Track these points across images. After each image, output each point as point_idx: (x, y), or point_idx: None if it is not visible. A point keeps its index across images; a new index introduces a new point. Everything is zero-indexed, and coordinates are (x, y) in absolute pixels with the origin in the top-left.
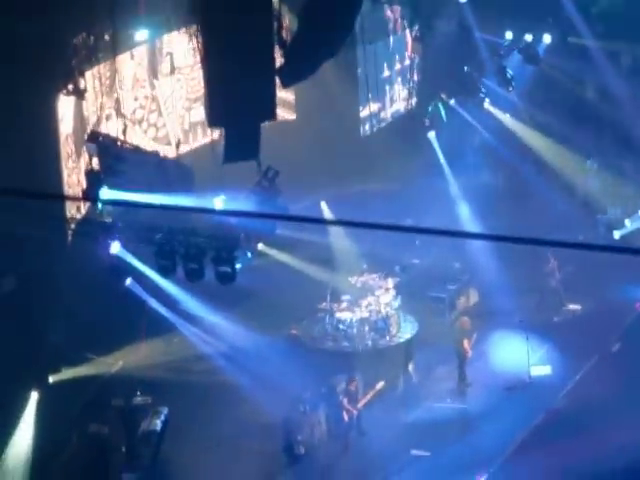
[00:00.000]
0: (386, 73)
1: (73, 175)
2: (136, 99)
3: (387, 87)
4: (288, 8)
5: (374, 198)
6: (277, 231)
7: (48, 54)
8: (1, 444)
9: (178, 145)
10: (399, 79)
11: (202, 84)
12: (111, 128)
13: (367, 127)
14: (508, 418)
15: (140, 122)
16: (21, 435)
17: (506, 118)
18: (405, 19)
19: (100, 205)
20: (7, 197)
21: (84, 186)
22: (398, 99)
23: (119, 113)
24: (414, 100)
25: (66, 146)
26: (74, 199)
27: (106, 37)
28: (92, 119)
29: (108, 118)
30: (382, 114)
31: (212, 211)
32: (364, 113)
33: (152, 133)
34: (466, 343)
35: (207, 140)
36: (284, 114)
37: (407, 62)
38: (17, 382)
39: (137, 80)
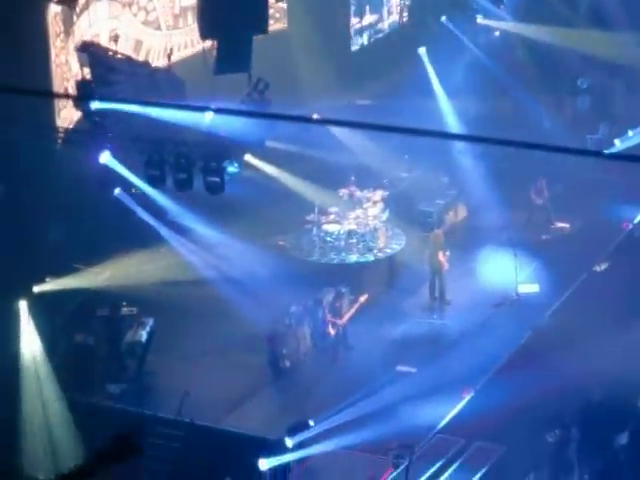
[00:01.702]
0: None
1: (65, 89)
2: None
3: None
4: None
5: (363, 112)
6: (266, 143)
7: None
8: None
9: (170, 56)
10: None
11: None
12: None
13: (364, 37)
14: (495, 335)
15: (130, 5)
16: (27, 342)
17: (507, 25)
18: None
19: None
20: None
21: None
22: (395, 11)
23: None
24: (405, 15)
25: (57, 66)
26: (65, 96)
27: None
28: (84, 34)
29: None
30: (379, 25)
31: (204, 109)
32: (363, 23)
33: (142, 17)
34: (441, 256)
35: (195, 26)
36: (275, 25)
37: None
38: (4, 290)
39: None
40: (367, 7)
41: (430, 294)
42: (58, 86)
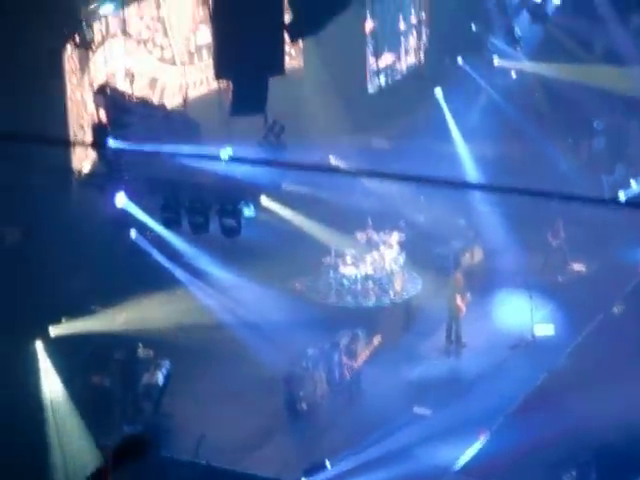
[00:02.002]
0: (402, 26)
1: (80, 131)
2: (142, 18)
3: (402, 39)
4: None
5: (379, 155)
6: (282, 186)
7: (53, 5)
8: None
9: (185, 98)
10: (414, 32)
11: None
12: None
13: (382, 79)
14: (511, 377)
15: (145, 42)
16: (48, 382)
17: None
18: None
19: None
20: (11, 147)
21: (91, 138)
22: (412, 52)
23: (125, 32)
24: (422, 57)
25: (73, 103)
26: (81, 144)
27: None
28: (100, 75)
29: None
30: (397, 66)
31: (218, 159)
32: (380, 64)
33: (157, 54)
34: (459, 300)
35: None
36: (291, 62)
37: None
38: (20, 333)
39: None
40: (385, 47)
41: (447, 337)
42: (74, 123)
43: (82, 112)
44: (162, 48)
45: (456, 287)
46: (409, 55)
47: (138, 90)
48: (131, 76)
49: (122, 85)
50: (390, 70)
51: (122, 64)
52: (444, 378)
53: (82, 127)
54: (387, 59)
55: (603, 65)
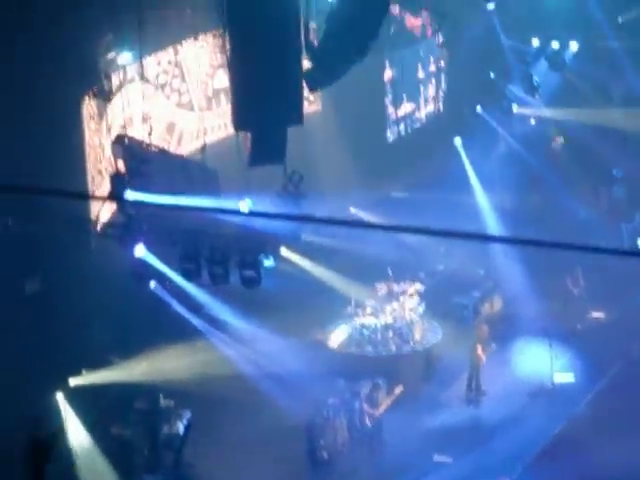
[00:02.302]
0: (420, 74)
1: (98, 177)
2: (159, 64)
3: (422, 88)
4: (315, 12)
5: (398, 205)
6: (302, 237)
7: (72, 56)
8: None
9: (203, 149)
10: (433, 80)
11: (226, 51)
12: (136, 134)
13: (401, 127)
14: (531, 424)
15: (163, 87)
16: (73, 433)
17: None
18: (432, 24)
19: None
20: (31, 197)
21: (109, 188)
22: (431, 101)
23: (142, 77)
24: (441, 105)
25: (91, 148)
26: (99, 199)
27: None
28: (118, 121)
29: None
30: (416, 114)
31: (238, 213)
32: (399, 113)
33: (175, 99)
34: (480, 350)
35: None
36: (310, 107)
37: (435, 65)
38: (40, 384)
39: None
40: (404, 96)
41: (467, 385)
42: (92, 169)
43: (100, 157)
44: (180, 93)
45: (479, 337)
46: (428, 104)
47: (156, 135)
48: (149, 127)
49: (139, 131)
50: (409, 119)
51: (140, 109)
52: (464, 426)
53: (100, 172)
54: (406, 108)
55: (621, 110)
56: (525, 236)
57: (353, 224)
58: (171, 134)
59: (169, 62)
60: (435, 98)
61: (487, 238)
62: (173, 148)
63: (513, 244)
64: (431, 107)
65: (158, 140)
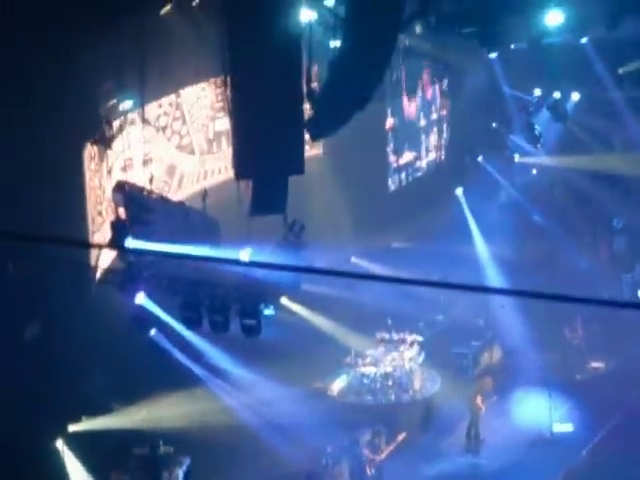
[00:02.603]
0: (422, 123)
1: (98, 218)
2: (160, 106)
3: (423, 136)
4: (317, 60)
5: (399, 256)
6: (302, 286)
7: (74, 103)
8: None
9: (204, 197)
10: (435, 129)
11: (226, 96)
12: (137, 176)
13: (403, 176)
14: (529, 474)
15: (164, 129)
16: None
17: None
18: (434, 73)
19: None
20: (32, 244)
21: (110, 234)
22: (433, 150)
23: (143, 119)
24: (443, 155)
25: (92, 189)
26: (99, 246)
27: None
28: (118, 162)
29: (130, 167)
30: (417, 163)
31: (238, 262)
32: (400, 162)
33: (176, 141)
34: (479, 400)
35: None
36: (311, 151)
37: (437, 115)
38: (40, 430)
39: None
40: (405, 145)
41: (467, 434)
42: (92, 210)
43: (100, 199)
44: (180, 135)
45: (480, 387)
46: (430, 153)
47: (157, 177)
48: (150, 174)
49: (140, 173)
50: (410, 168)
51: (140, 151)
52: (463, 475)
53: (100, 214)
54: (407, 157)
55: (622, 159)
56: (525, 287)
57: (354, 276)
58: (172, 177)
59: (170, 104)
60: (437, 147)
61: (487, 289)
62: (173, 191)
63: (512, 296)
64: (433, 156)
65: (159, 182)
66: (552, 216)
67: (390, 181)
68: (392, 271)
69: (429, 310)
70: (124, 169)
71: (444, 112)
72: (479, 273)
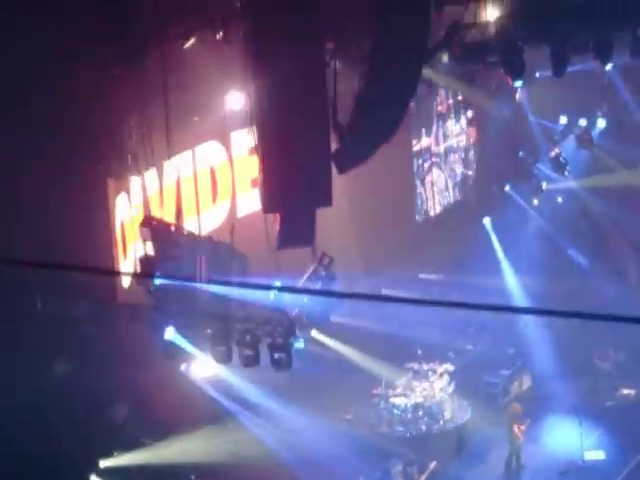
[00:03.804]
0: (448, 151)
1: (124, 260)
2: None
3: (450, 165)
4: (343, 92)
5: (427, 287)
6: (332, 319)
7: (99, 137)
8: None
9: (232, 231)
10: (462, 159)
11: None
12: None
13: (430, 206)
14: None
15: None
16: None
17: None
18: (460, 103)
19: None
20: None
21: (138, 271)
22: (460, 180)
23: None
24: (470, 184)
25: (119, 231)
26: (129, 275)
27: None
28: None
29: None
30: (445, 193)
31: (270, 288)
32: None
33: None
34: (516, 429)
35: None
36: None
37: (463, 144)
38: (72, 466)
39: None
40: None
41: (506, 464)
42: (117, 245)
43: (126, 234)
44: None
45: (514, 416)
46: (456, 182)
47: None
48: (178, 208)
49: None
50: (439, 196)
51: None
52: None
53: (125, 249)
54: (435, 182)
55: None
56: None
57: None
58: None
59: None
60: (464, 177)
61: (514, 310)
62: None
63: (541, 315)
64: (460, 186)
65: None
66: (581, 244)
67: (417, 212)
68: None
69: (459, 340)
70: (147, 206)
71: (471, 141)
72: (508, 304)
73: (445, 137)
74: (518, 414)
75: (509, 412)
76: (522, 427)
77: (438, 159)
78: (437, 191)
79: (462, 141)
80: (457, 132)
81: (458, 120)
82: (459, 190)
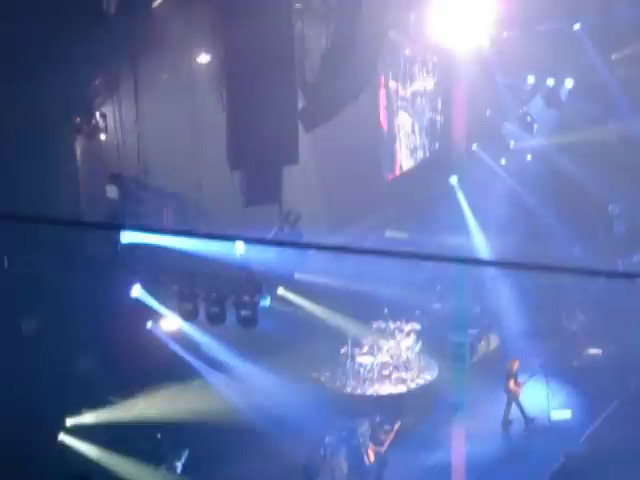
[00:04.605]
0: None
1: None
2: None
3: (417, 125)
4: (310, 51)
5: (394, 246)
6: (300, 276)
7: (67, 93)
8: None
9: (199, 186)
10: (428, 118)
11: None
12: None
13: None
14: (528, 462)
15: None
16: None
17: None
18: (428, 63)
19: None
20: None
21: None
22: (427, 139)
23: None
24: (437, 144)
25: (85, 185)
26: (95, 226)
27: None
28: (112, 158)
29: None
30: (413, 153)
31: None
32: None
33: None
34: (512, 384)
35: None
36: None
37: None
38: (40, 424)
39: None
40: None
41: (503, 419)
42: (85, 201)
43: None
44: None
45: (509, 371)
46: (424, 142)
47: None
48: (144, 165)
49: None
50: (405, 157)
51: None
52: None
53: (93, 205)
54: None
55: (618, 145)
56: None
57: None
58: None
59: None
60: (431, 135)
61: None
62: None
63: (506, 268)
64: (427, 146)
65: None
66: (548, 203)
67: (384, 169)
68: (387, 261)
69: (426, 299)
70: (118, 159)
71: (438, 102)
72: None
73: (412, 81)
74: (515, 371)
75: (507, 367)
76: (519, 382)
77: (405, 102)
78: (404, 134)
79: (430, 85)
80: (424, 76)
81: (424, 64)
82: (427, 136)
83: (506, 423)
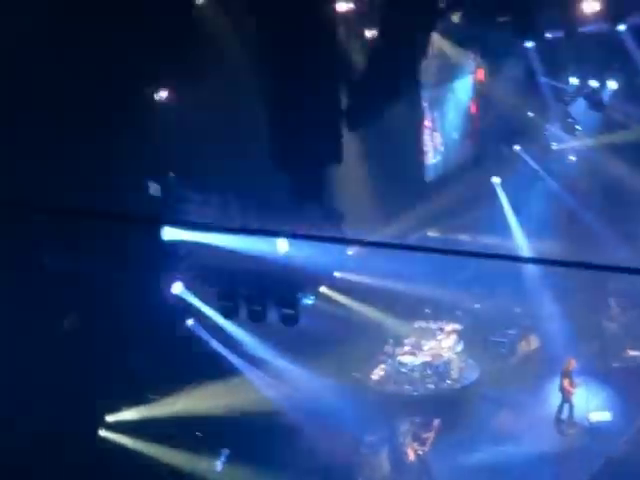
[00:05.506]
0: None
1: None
2: None
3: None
4: (355, 51)
5: (435, 246)
6: (341, 276)
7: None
8: None
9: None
10: (472, 120)
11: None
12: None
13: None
14: (567, 463)
15: None
16: None
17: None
18: (471, 63)
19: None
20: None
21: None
22: (469, 140)
23: None
24: (480, 145)
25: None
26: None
27: None
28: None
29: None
30: (454, 155)
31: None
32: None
33: None
34: (566, 383)
35: None
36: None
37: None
38: (80, 421)
39: None
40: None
41: (556, 417)
42: None
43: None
44: None
45: (565, 371)
46: (466, 143)
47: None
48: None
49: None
50: (447, 157)
51: None
52: (502, 464)
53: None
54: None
55: None
56: (565, 278)
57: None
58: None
59: None
60: (473, 136)
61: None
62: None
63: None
64: (469, 147)
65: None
66: (591, 205)
67: (426, 171)
68: (424, 261)
69: (466, 299)
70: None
71: (480, 102)
72: (517, 266)
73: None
74: (571, 370)
75: (564, 366)
76: (574, 382)
77: (448, 102)
78: (446, 134)
79: (473, 100)
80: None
81: (470, 79)
82: (469, 137)
83: (558, 421)
